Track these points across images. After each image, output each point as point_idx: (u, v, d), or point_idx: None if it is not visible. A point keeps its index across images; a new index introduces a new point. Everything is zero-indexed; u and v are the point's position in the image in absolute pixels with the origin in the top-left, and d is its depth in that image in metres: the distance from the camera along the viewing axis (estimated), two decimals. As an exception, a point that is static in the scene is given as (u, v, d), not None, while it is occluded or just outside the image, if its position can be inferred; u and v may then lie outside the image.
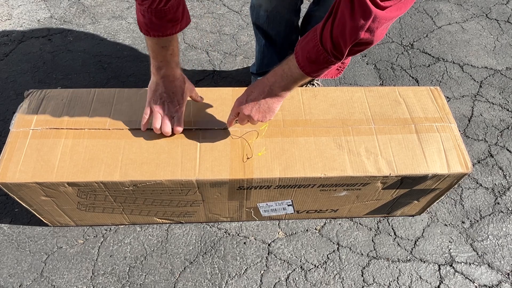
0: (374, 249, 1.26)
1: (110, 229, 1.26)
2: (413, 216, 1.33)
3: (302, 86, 1.52)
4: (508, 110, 1.64)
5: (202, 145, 1.01)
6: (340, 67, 0.78)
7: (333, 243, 1.27)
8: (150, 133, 1.02)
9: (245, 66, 1.73)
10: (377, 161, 1.01)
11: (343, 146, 1.03)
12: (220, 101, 1.10)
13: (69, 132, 1.02)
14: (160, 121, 0.97)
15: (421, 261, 1.24)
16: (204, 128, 1.05)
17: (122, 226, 1.26)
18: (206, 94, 1.11)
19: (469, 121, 1.60)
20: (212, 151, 1.00)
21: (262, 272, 1.20)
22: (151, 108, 0.96)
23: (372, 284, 1.19)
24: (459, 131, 1.40)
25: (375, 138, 1.05)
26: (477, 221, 1.33)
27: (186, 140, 1.02)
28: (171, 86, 0.94)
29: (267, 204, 1.14)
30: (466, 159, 1.03)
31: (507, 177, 1.44)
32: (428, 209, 1.31)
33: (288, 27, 1.32)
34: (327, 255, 1.24)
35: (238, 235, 1.27)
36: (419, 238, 1.29)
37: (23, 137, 1.00)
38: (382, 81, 1.72)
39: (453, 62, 1.80)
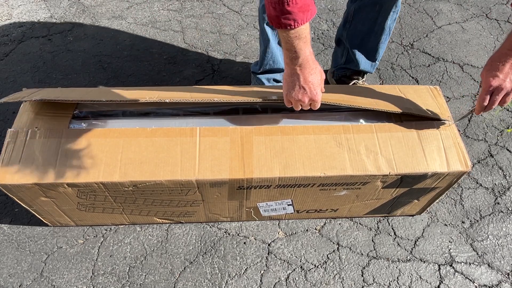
0: (374, 249, 1.26)
1: (110, 229, 1.26)
2: (413, 216, 1.33)
3: None
4: (508, 110, 1.64)
5: (201, 143, 1.01)
6: None
7: (333, 243, 1.26)
8: (149, 131, 1.02)
9: (245, 66, 1.73)
10: (377, 160, 1.01)
11: (343, 145, 1.03)
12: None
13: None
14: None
15: (421, 261, 1.24)
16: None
17: (122, 226, 1.26)
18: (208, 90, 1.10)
19: (469, 121, 1.59)
20: (211, 150, 1.00)
21: (262, 272, 1.20)
22: (289, 99, 0.96)
23: (372, 284, 1.19)
24: (459, 131, 1.39)
25: (375, 136, 1.05)
26: (477, 221, 1.33)
27: (185, 138, 1.02)
28: (305, 75, 0.92)
29: (267, 203, 1.14)
30: (466, 157, 1.03)
31: (507, 177, 1.43)
32: (428, 209, 1.31)
33: None
34: (327, 255, 1.24)
35: (238, 235, 1.27)
36: (419, 238, 1.29)
37: (21, 136, 1.00)
38: (382, 81, 1.72)
39: (453, 62, 1.80)
